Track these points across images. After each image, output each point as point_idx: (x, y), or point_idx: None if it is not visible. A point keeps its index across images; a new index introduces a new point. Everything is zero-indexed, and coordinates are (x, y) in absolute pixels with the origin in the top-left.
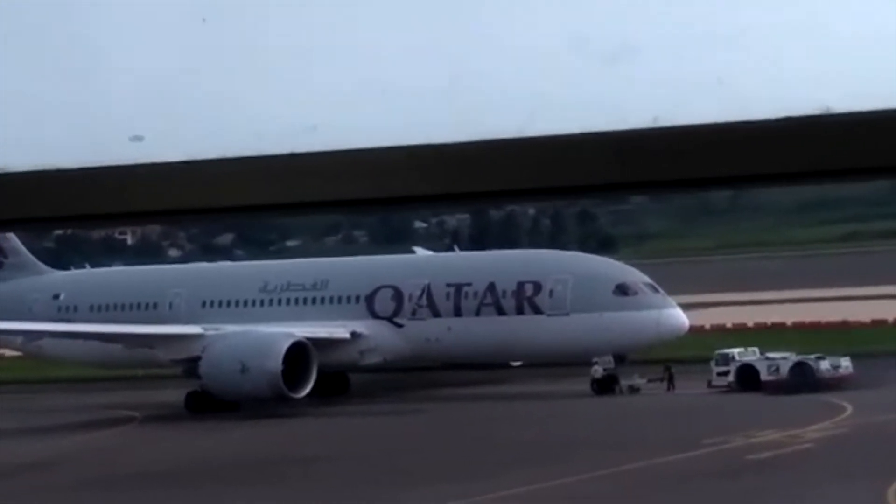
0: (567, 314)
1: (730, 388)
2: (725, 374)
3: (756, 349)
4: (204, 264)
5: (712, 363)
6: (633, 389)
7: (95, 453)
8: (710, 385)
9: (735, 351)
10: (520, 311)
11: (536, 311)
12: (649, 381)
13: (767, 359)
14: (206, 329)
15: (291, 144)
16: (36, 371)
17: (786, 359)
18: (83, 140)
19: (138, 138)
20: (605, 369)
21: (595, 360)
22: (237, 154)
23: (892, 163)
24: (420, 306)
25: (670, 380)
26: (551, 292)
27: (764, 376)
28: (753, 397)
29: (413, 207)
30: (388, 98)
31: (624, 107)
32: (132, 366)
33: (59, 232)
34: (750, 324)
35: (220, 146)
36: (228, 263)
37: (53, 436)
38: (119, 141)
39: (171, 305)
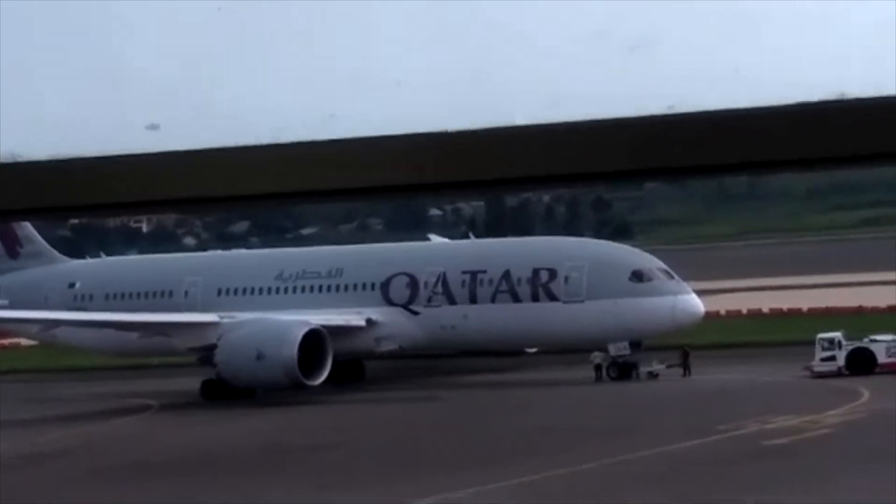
0: (582, 301)
1: (839, 373)
2: (831, 358)
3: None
4: (219, 252)
5: (817, 347)
6: (653, 375)
7: (112, 441)
8: (811, 370)
9: (837, 335)
10: (535, 298)
11: (552, 297)
12: (668, 366)
13: (879, 341)
14: (221, 317)
15: (309, 132)
16: (52, 360)
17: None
18: (100, 128)
19: (154, 127)
20: (619, 356)
21: (602, 349)
22: (254, 142)
23: None
24: (435, 293)
25: (686, 365)
26: (566, 279)
27: (882, 359)
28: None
29: (431, 195)
30: (405, 86)
31: (642, 94)
32: (148, 354)
33: (74, 221)
34: (765, 309)
35: (236, 135)
36: (244, 251)
37: (70, 424)
38: (135, 129)
39: (186, 293)
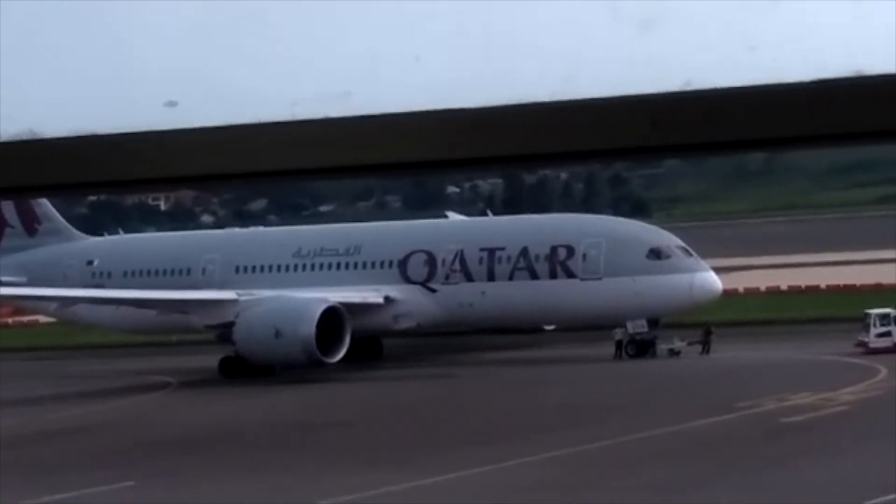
0: (600, 278)
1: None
2: (886, 334)
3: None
4: (237, 230)
5: (871, 322)
6: (674, 352)
7: (131, 418)
8: (865, 346)
9: (892, 310)
10: (553, 276)
11: (570, 275)
12: (689, 343)
13: None
14: (239, 294)
15: (326, 110)
16: (70, 337)
17: None
18: (118, 106)
19: (172, 104)
20: (637, 333)
21: (623, 327)
22: (272, 119)
23: None
24: (453, 271)
25: (707, 343)
26: (584, 256)
27: None
28: None
29: (447, 171)
30: (422, 63)
31: (658, 71)
32: (166, 331)
33: (92, 198)
34: (783, 287)
35: (254, 112)
36: (262, 229)
37: (89, 401)
38: (154, 106)
39: (204, 271)
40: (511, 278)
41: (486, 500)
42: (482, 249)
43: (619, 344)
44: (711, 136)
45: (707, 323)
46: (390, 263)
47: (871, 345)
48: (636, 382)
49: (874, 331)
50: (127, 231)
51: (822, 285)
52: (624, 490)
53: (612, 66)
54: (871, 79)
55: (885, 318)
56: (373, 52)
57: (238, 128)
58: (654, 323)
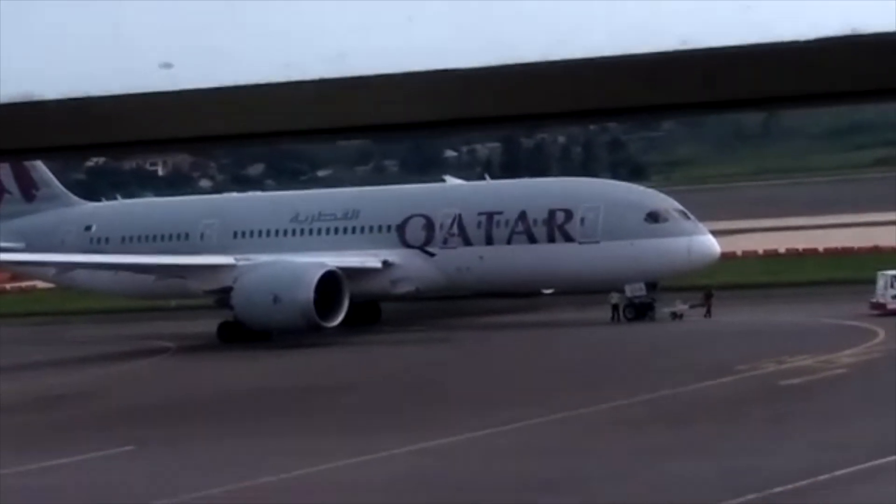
0: (598, 242)
1: None
2: None
3: None
4: (235, 195)
5: (888, 283)
6: (676, 316)
7: (130, 384)
8: (883, 308)
9: None
10: (551, 240)
11: (568, 238)
12: (691, 306)
13: None
14: (237, 259)
15: (320, 71)
16: (68, 302)
17: None
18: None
19: (167, 65)
20: (635, 297)
21: (619, 290)
22: (266, 80)
23: None
24: (451, 235)
25: (709, 306)
26: (582, 220)
27: None
28: None
29: (441, 132)
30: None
31: (653, 30)
32: (164, 297)
33: (90, 163)
34: (781, 250)
35: (249, 73)
36: (259, 194)
37: (88, 367)
38: (148, 68)
39: (202, 236)
40: (509, 242)
41: (485, 463)
42: (480, 213)
43: (615, 308)
44: (708, 95)
45: (708, 286)
46: (388, 228)
47: (889, 306)
48: (635, 346)
49: (891, 291)
50: (125, 196)
51: (821, 248)
52: (620, 454)
53: (608, 25)
54: (868, 37)
55: None
56: (366, 12)
57: (233, 89)
58: (652, 286)
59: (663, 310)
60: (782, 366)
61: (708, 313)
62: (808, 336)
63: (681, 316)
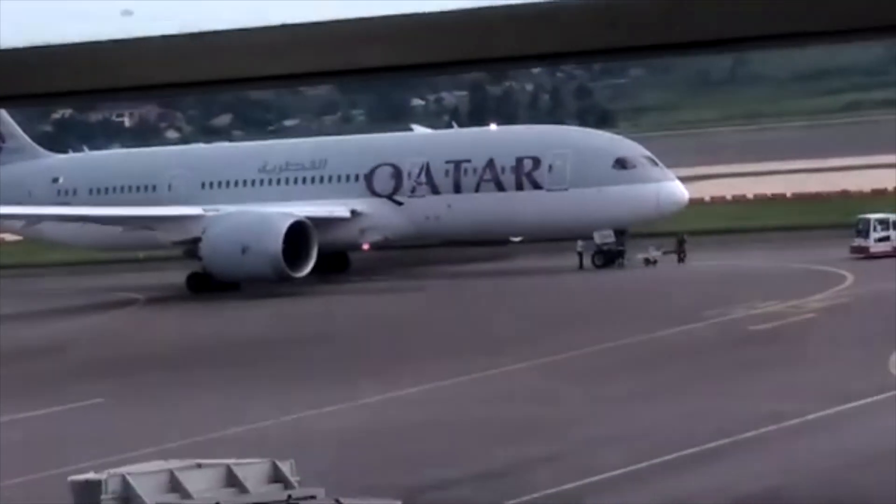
0: (566, 189)
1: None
2: (885, 238)
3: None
4: (202, 145)
5: (871, 227)
6: (650, 262)
7: (99, 336)
8: (865, 251)
9: (891, 215)
10: (519, 187)
11: (536, 186)
12: (665, 252)
13: None
14: (205, 210)
15: (284, 16)
16: (36, 255)
17: None
18: (75, 16)
19: (128, 13)
20: (604, 244)
21: (587, 238)
22: (230, 27)
23: (891, 22)
24: (419, 184)
25: (681, 252)
26: (550, 167)
27: None
28: None
29: (408, 76)
30: None
31: None
32: (132, 248)
33: (56, 115)
34: (749, 195)
35: (214, 19)
36: (227, 144)
37: (56, 319)
38: (110, 16)
39: (170, 187)
40: (477, 190)
41: (457, 411)
42: (448, 162)
43: (580, 255)
44: (669, 37)
45: (680, 232)
46: (356, 177)
47: (872, 249)
48: (605, 293)
49: (874, 235)
50: (92, 148)
51: (789, 193)
52: (590, 400)
53: None
54: None
55: (884, 223)
56: None
57: (196, 35)
58: (620, 233)
59: (637, 256)
60: (752, 311)
61: (681, 259)
62: (777, 281)
63: (654, 262)
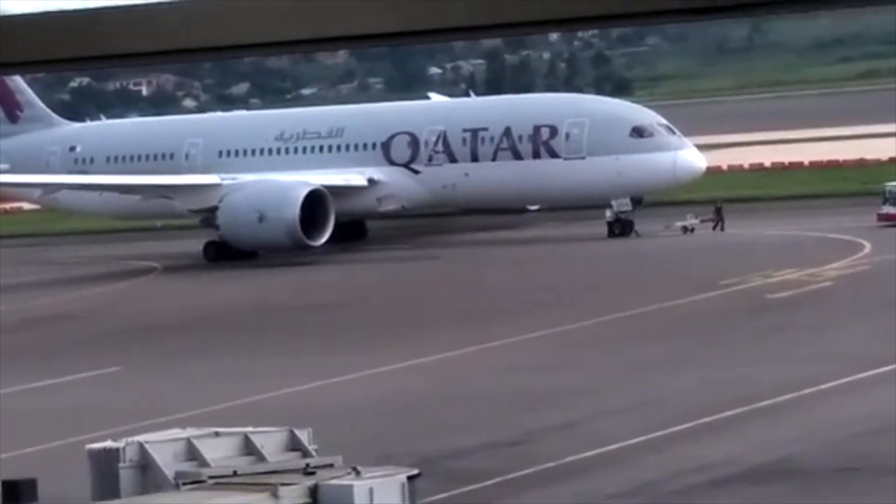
0: (583, 157)
1: None
2: None
3: None
4: (219, 114)
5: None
6: (688, 230)
7: (117, 304)
8: (889, 218)
9: None
10: (536, 156)
11: (553, 154)
12: (702, 221)
13: None
14: (222, 178)
15: None
16: (54, 224)
17: None
18: None
19: None
20: (621, 212)
21: (606, 206)
22: None
23: None
24: (436, 152)
25: (720, 220)
26: (567, 136)
27: None
28: None
29: (423, 41)
30: None
31: None
32: (149, 217)
33: (73, 84)
34: (767, 163)
35: None
36: (244, 113)
37: (74, 287)
38: None
39: (187, 156)
40: (494, 159)
41: (474, 380)
42: (465, 130)
43: (610, 224)
44: (688, 1)
45: (716, 200)
46: (373, 145)
47: None
48: (623, 262)
49: None
50: (109, 117)
51: (806, 161)
52: (608, 368)
53: None
54: None
55: None
56: None
57: (205, 2)
58: (637, 202)
59: (675, 224)
60: (769, 280)
61: (721, 227)
62: (795, 249)
63: (692, 230)
